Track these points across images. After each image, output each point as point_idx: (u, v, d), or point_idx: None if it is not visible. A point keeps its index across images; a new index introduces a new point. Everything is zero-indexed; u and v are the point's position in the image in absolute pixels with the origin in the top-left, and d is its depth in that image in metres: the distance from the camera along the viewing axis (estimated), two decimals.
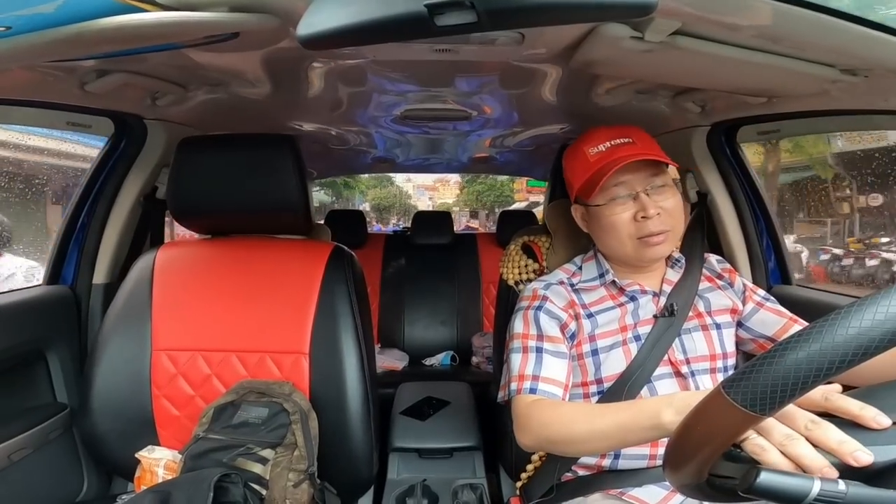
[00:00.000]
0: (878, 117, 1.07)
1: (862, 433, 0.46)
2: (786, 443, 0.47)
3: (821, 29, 0.69)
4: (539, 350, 0.97)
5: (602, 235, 1.01)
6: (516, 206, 16.44)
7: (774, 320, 1.03)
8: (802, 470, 0.46)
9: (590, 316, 1.01)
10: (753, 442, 0.48)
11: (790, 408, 0.47)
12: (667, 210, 0.95)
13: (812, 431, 0.47)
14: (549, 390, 0.93)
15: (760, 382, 0.42)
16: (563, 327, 1.00)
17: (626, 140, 0.97)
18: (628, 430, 0.73)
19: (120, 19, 0.63)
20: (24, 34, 0.63)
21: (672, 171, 1.00)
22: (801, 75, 0.88)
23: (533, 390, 0.93)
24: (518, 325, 1.02)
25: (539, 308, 1.01)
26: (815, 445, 0.46)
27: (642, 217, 0.94)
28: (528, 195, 18.61)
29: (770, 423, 0.48)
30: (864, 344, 0.39)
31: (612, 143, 0.97)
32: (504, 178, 19.09)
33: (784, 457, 0.46)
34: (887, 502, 0.43)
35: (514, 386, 0.95)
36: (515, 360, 0.98)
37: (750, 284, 1.09)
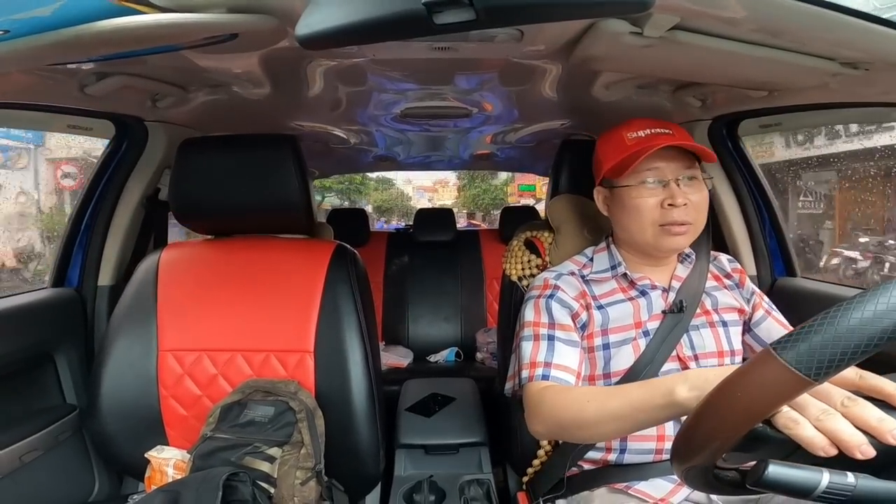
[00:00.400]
0: (878, 110, 1.07)
1: (893, 414, 0.45)
2: (822, 418, 0.45)
3: (820, 22, 0.69)
4: (551, 338, 0.96)
5: (624, 218, 1.00)
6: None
7: (779, 332, 1.03)
8: (838, 446, 0.44)
9: (600, 308, 1.01)
10: (787, 416, 0.46)
11: (825, 384, 0.45)
12: (693, 203, 0.95)
13: (849, 408, 0.45)
14: (562, 377, 0.91)
15: (819, 343, 0.39)
16: (574, 316, 0.99)
17: (666, 131, 0.97)
18: (641, 409, 0.69)
19: (117, 22, 0.63)
20: (22, 38, 0.63)
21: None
22: (801, 69, 0.88)
23: (545, 377, 0.91)
24: (529, 313, 1.00)
25: (551, 297, 1.00)
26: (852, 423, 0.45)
27: (669, 205, 0.94)
28: (520, 199, 19.66)
29: (805, 398, 0.46)
30: None
31: (653, 130, 0.97)
32: (498, 182, 21.41)
33: (818, 432, 0.45)
34: None
35: (525, 374, 0.93)
36: (526, 347, 0.96)
37: (758, 290, 1.09)
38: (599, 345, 0.99)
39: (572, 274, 1.05)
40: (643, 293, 1.01)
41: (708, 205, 0.99)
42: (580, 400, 0.80)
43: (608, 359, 0.98)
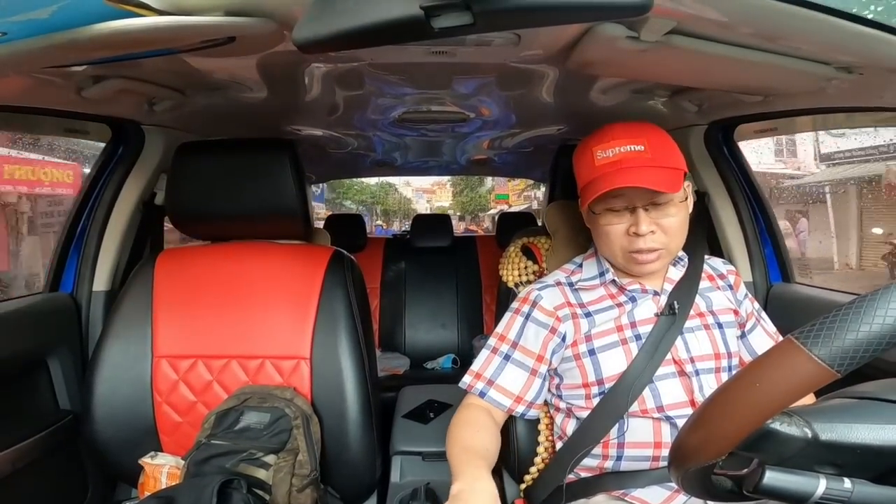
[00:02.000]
0: (873, 114, 1.08)
1: (887, 413, 0.44)
2: None
3: (815, 26, 0.69)
4: (507, 357, 1.02)
5: (597, 240, 1.01)
6: (490, 212, 23.67)
7: (767, 342, 1.03)
8: None
9: (587, 315, 1.00)
10: None
11: None
12: (663, 227, 0.92)
13: None
14: (497, 399, 1.00)
15: (845, 334, 0.39)
16: (548, 336, 1.00)
17: (638, 148, 0.92)
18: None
19: (115, 24, 0.63)
20: (20, 40, 0.63)
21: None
22: (796, 73, 0.88)
23: (482, 394, 1.01)
24: (502, 323, 1.06)
25: (527, 316, 1.02)
26: None
27: (634, 233, 0.92)
28: (497, 205, 23.14)
29: None
30: None
31: (622, 149, 0.92)
32: (483, 191, 26.60)
33: None
34: (893, 501, 0.42)
35: (467, 379, 1.04)
36: (482, 355, 1.05)
37: (751, 295, 1.09)
38: (584, 351, 0.98)
39: (558, 284, 1.05)
40: (632, 299, 1.01)
41: (686, 223, 0.96)
42: (452, 440, 0.94)
43: (597, 364, 0.97)
